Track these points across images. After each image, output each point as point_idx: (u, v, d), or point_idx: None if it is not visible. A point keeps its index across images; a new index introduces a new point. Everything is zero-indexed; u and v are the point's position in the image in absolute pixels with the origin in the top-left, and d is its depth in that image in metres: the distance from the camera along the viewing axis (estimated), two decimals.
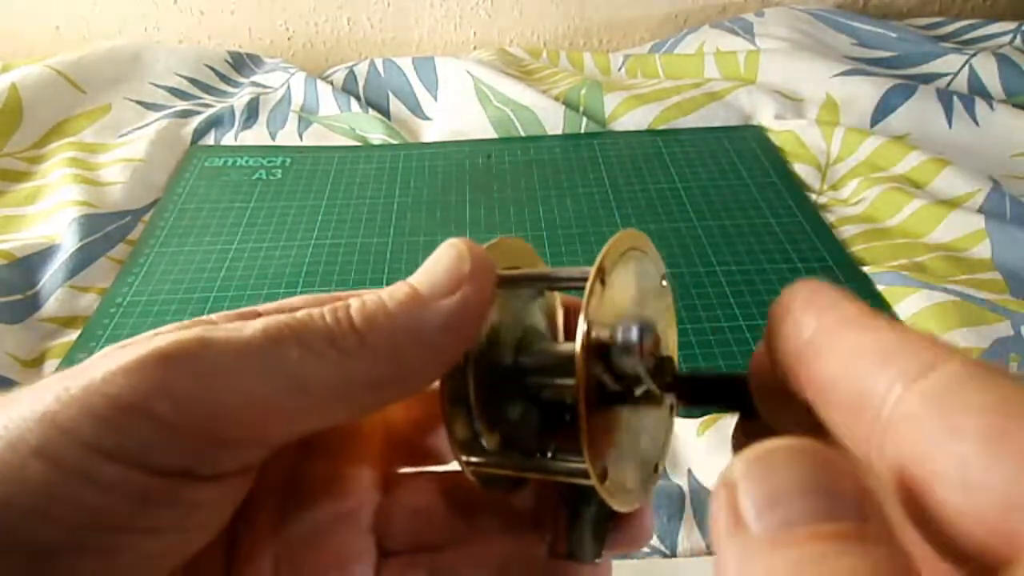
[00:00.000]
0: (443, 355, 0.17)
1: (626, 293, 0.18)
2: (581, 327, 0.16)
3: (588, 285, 0.16)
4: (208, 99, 0.82)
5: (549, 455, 0.19)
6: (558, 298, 0.21)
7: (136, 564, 0.15)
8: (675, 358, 0.19)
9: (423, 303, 0.16)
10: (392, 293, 0.16)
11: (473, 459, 0.18)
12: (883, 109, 0.73)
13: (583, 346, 0.16)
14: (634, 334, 0.16)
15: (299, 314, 0.16)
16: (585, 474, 0.16)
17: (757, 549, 0.11)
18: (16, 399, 0.14)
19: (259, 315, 0.18)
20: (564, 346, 0.19)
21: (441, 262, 0.17)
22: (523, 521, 0.21)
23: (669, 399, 0.20)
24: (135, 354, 0.14)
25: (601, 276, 0.16)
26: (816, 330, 0.13)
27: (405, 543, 0.21)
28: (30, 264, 0.56)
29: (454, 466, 0.19)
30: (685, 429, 0.44)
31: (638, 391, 0.18)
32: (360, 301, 0.16)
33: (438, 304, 0.16)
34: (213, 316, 0.18)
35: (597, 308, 0.16)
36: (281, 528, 0.19)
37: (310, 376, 0.15)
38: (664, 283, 0.20)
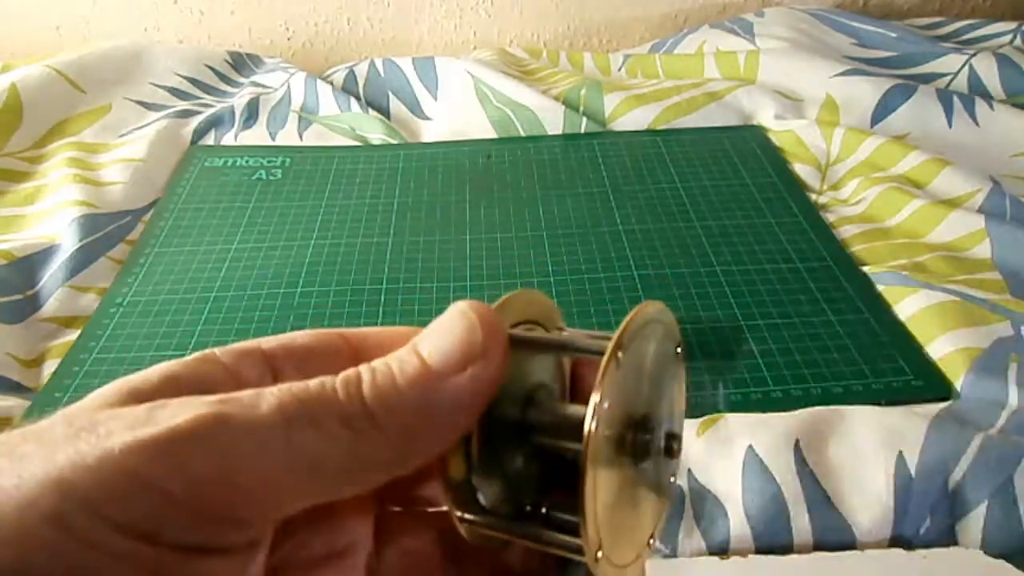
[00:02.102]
0: (453, 432, 0.17)
1: (641, 367, 0.18)
2: (594, 399, 0.16)
3: (604, 361, 0.16)
4: (208, 99, 0.82)
5: (544, 511, 0.19)
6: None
7: None
8: (682, 429, 0.20)
9: (434, 380, 0.16)
10: (403, 366, 0.16)
11: (468, 516, 0.18)
12: (883, 109, 0.73)
13: (590, 437, 0.16)
14: (648, 419, 0.18)
15: (312, 386, 0.16)
16: (580, 549, 0.16)
17: None
18: (25, 452, 0.14)
19: (262, 352, 0.18)
20: (574, 409, 0.19)
21: (452, 333, 0.17)
22: (513, 573, 0.21)
23: (671, 471, 0.20)
24: (153, 431, 0.15)
25: (618, 351, 0.16)
26: None
27: None
28: (30, 264, 0.56)
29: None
30: (685, 430, 0.44)
31: (643, 464, 0.18)
32: (371, 374, 0.16)
33: (450, 383, 0.16)
34: (216, 351, 0.18)
35: (611, 384, 0.16)
36: (274, 566, 0.19)
37: (323, 458, 0.15)
38: (679, 351, 0.20)
